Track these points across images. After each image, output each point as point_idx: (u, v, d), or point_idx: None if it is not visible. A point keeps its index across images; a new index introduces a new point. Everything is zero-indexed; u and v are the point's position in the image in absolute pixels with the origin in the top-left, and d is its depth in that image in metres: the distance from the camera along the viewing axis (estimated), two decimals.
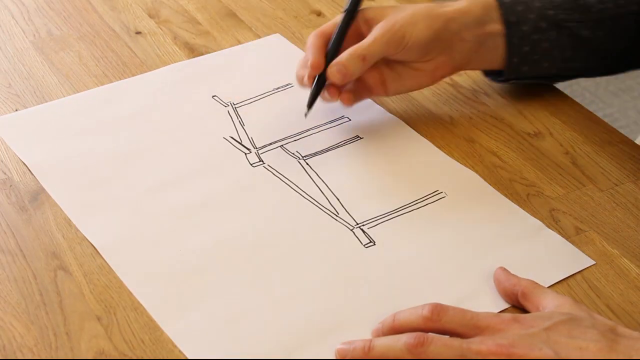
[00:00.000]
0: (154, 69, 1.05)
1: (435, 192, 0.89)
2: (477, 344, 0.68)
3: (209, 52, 1.08)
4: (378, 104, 1.00)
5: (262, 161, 0.92)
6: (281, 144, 0.95)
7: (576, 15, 0.94)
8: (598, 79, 2.42)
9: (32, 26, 1.12)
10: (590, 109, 1.02)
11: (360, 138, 0.96)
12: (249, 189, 0.89)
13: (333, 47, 0.92)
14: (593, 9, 0.95)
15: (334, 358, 0.72)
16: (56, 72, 1.04)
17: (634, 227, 0.85)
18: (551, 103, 1.01)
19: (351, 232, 0.84)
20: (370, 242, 0.83)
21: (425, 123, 0.98)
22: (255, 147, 0.94)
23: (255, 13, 1.15)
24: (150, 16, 1.14)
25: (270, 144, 0.95)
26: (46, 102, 1.00)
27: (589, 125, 0.98)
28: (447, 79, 1.04)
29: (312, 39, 0.93)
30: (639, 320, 0.77)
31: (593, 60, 0.98)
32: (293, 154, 0.93)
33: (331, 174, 0.91)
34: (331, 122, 0.97)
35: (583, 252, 0.83)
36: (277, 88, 1.02)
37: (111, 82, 1.03)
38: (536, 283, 0.76)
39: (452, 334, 0.71)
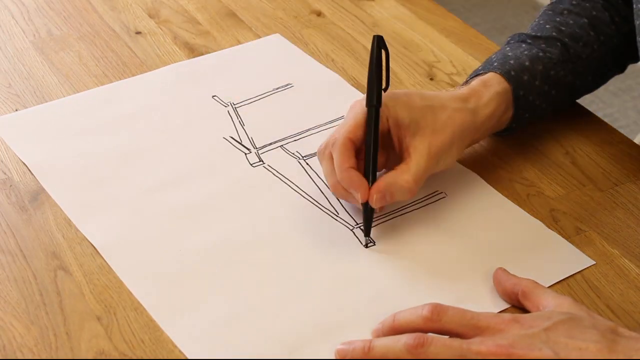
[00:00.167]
0: (154, 69, 1.05)
1: (435, 192, 0.89)
2: (477, 345, 0.68)
3: (209, 52, 1.08)
4: None
5: (262, 161, 0.92)
6: (281, 144, 0.95)
7: (570, 66, 0.94)
8: None
9: (32, 26, 1.12)
10: (590, 109, 1.02)
11: None
12: (249, 189, 0.89)
13: (373, 165, 0.83)
14: (583, 56, 0.95)
15: (334, 358, 0.72)
16: (56, 72, 1.04)
17: (634, 227, 0.85)
18: None
19: (351, 232, 0.84)
20: (370, 242, 0.83)
21: None
22: (255, 147, 0.94)
23: (255, 13, 1.15)
24: (150, 16, 1.14)
25: (270, 144, 0.95)
26: (46, 102, 1.00)
27: (589, 125, 0.98)
28: (447, 80, 1.04)
29: (342, 154, 0.83)
30: (639, 320, 0.77)
31: (573, 99, 0.99)
32: (293, 154, 0.93)
33: None
34: (331, 122, 0.97)
35: (583, 252, 0.83)
36: (277, 88, 1.02)
37: (111, 82, 1.03)
38: (536, 283, 0.76)
39: (452, 334, 0.71)
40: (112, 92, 1.01)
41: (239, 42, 1.10)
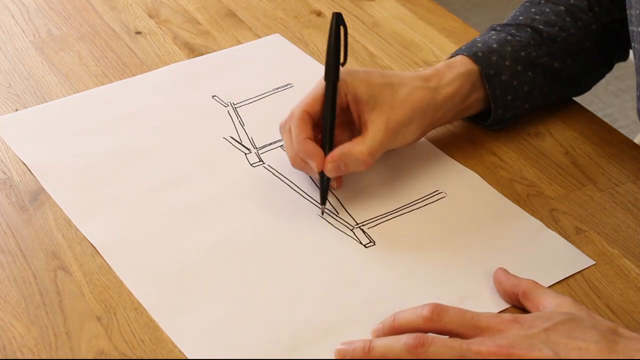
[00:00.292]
0: (154, 69, 1.05)
1: (435, 192, 0.89)
2: (477, 345, 0.68)
3: (209, 52, 1.08)
4: None
5: (262, 161, 0.92)
6: (281, 144, 0.95)
7: (544, 48, 0.95)
8: None
9: (32, 26, 1.12)
10: (590, 109, 1.02)
11: None
12: (249, 189, 0.89)
13: (330, 135, 0.86)
14: (558, 39, 0.96)
15: (334, 358, 0.72)
16: (56, 72, 1.04)
17: (634, 227, 0.85)
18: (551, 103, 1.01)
19: (351, 232, 0.84)
20: (370, 242, 0.83)
21: None
22: (255, 147, 0.94)
23: (255, 13, 1.15)
24: (150, 16, 1.14)
25: (270, 144, 0.95)
26: (46, 102, 1.00)
27: (589, 125, 0.98)
28: None
29: (299, 126, 0.86)
30: (639, 320, 0.77)
31: (566, 88, 0.99)
32: None
33: None
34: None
35: (583, 252, 0.83)
36: (277, 88, 1.02)
37: (111, 82, 1.03)
38: (536, 283, 0.76)
39: (452, 334, 0.71)
40: (112, 92, 1.01)
41: (239, 42, 1.10)
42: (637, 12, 0.89)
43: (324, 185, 0.86)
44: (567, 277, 0.80)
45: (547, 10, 0.98)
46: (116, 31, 1.11)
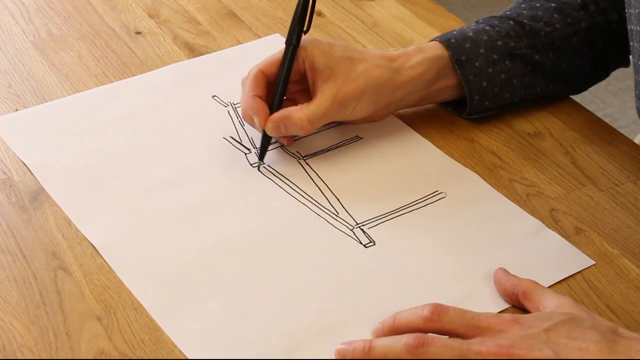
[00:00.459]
0: (154, 69, 1.05)
1: (435, 192, 0.89)
2: (477, 345, 0.68)
3: (209, 52, 1.08)
4: None
5: (262, 161, 0.92)
6: (281, 143, 0.95)
7: (525, 41, 0.95)
8: None
9: (32, 26, 1.12)
10: (590, 109, 1.02)
11: (360, 138, 0.96)
12: (249, 189, 0.89)
13: (278, 96, 0.90)
14: (541, 33, 0.96)
15: (334, 358, 0.72)
16: (56, 72, 1.04)
17: (634, 227, 0.85)
18: (551, 103, 1.01)
19: (351, 232, 0.84)
20: (370, 242, 0.83)
21: (425, 123, 0.98)
22: (255, 147, 0.94)
23: (255, 13, 1.15)
24: (150, 16, 1.14)
25: (270, 144, 0.94)
26: (46, 102, 1.00)
27: (589, 125, 0.98)
28: None
29: (252, 83, 0.90)
30: (639, 320, 0.77)
31: (552, 82, 0.99)
32: (293, 154, 0.93)
33: (331, 174, 0.91)
34: (331, 122, 0.97)
35: (583, 252, 0.83)
36: None
37: (111, 82, 1.03)
38: (536, 283, 0.76)
39: (452, 334, 0.71)
40: (112, 92, 1.01)
41: (239, 42, 1.10)
42: (636, 10, 0.89)
43: (264, 142, 0.90)
44: (567, 277, 0.80)
45: (537, 5, 0.98)
46: (116, 31, 1.11)
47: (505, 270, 0.79)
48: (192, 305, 0.77)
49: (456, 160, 0.93)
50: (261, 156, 0.90)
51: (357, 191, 0.89)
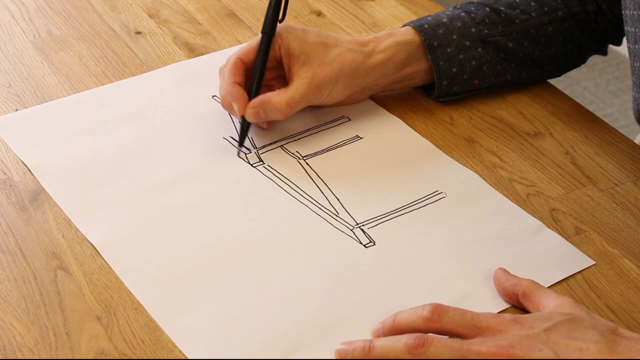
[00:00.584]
0: (154, 69, 1.05)
1: (435, 192, 0.89)
2: (477, 345, 0.68)
3: (209, 52, 1.08)
4: (378, 104, 1.00)
5: (262, 161, 0.92)
6: (281, 144, 0.95)
7: (499, 28, 0.96)
8: (598, 79, 2.42)
9: (32, 26, 1.12)
10: (590, 109, 1.02)
11: (360, 138, 0.96)
12: (249, 189, 0.89)
13: (256, 83, 0.92)
14: (517, 21, 0.97)
15: (334, 358, 0.72)
16: (56, 72, 1.04)
17: (634, 227, 0.85)
18: (551, 103, 1.01)
19: (351, 232, 0.84)
20: (370, 242, 0.83)
21: (425, 123, 0.98)
22: (255, 147, 0.94)
23: (255, 13, 1.15)
24: (150, 16, 1.14)
25: (270, 144, 0.95)
26: (46, 102, 1.00)
27: (589, 125, 0.98)
28: None
29: (231, 71, 0.92)
30: (639, 320, 0.77)
31: (525, 70, 1.00)
32: (293, 154, 0.93)
33: (331, 174, 0.91)
34: (331, 122, 0.97)
35: (583, 252, 0.83)
36: None
37: (111, 82, 1.03)
38: (536, 283, 0.76)
39: (452, 334, 0.71)
40: (112, 92, 1.01)
41: (239, 42, 1.10)
42: (632, 12, 0.89)
43: (244, 128, 0.91)
44: (567, 277, 0.80)
45: None
46: (116, 31, 1.11)
47: (505, 270, 0.79)
48: (192, 305, 0.77)
49: (456, 160, 0.93)
50: (241, 142, 0.92)
51: (357, 191, 0.89)
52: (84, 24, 1.13)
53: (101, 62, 1.06)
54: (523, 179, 0.91)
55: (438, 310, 0.71)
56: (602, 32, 1.01)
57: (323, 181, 0.90)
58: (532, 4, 0.99)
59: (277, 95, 0.90)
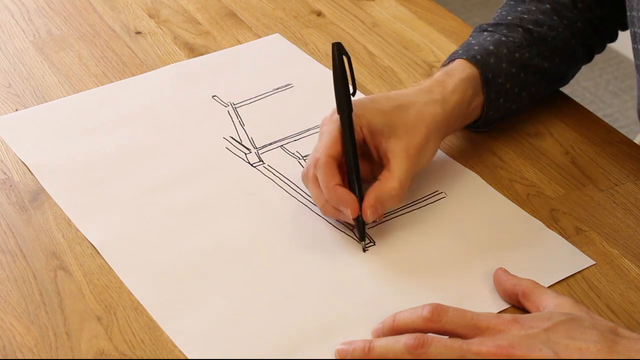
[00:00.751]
0: (154, 69, 1.05)
1: (435, 192, 0.89)
2: (477, 345, 0.68)
3: (209, 52, 1.08)
4: None
5: (262, 161, 0.92)
6: (281, 144, 0.95)
7: (535, 49, 0.94)
8: (598, 79, 2.42)
9: (32, 26, 1.12)
10: (590, 109, 1.02)
11: None
12: (249, 189, 0.89)
13: (356, 177, 0.83)
14: (548, 38, 0.95)
15: (334, 358, 0.72)
16: (56, 72, 1.04)
17: (634, 227, 0.85)
18: (551, 103, 1.01)
19: (351, 232, 0.84)
20: (370, 242, 0.83)
21: None
22: (255, 147, 0.94)
23: (255, 13, 1.15)
24: (150, 16, 1.14)
25: (270, 144, 0.95)
26: (46, 102, 1.00)
27: (589, 125, 0.98)
28: None
29: (327, 174, 0.81)
30: (639, 320, 0.77)
31: (551, 86, 0.99)
32: (293, 154, 0.93)
33: None
34: None
35: (583, 252, 0.83)
36: (277, 88, 1.02)
37: (111, 82, 1.03)
38: (536, 283, 0.76)
39: (452, 334, 0.71)
40: (112, 92, 1.01)
41: (239, 42, 1.10)
42: (638, 14, 0.89)
43: (361, 227, 0.82)
44: (567, 277, 0.80)
45: (533, 8, 0.97)
46: (116, 31, 1.11)
47: (505, 270, 0.79)
48: (192, 305, 0.77)
49: (456, 160, 0.93)
50: (362, 237, 0.83)
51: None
52: (84, 24, 1.13)
53: (101, 62, 1.06)
54: (523, 179, 0.91)
55: (438, 310, 0.71)
56: (606, 35, 1.01)
57: None
58: (554, 17, 0.96)
59: (384, 183, 0.82)
